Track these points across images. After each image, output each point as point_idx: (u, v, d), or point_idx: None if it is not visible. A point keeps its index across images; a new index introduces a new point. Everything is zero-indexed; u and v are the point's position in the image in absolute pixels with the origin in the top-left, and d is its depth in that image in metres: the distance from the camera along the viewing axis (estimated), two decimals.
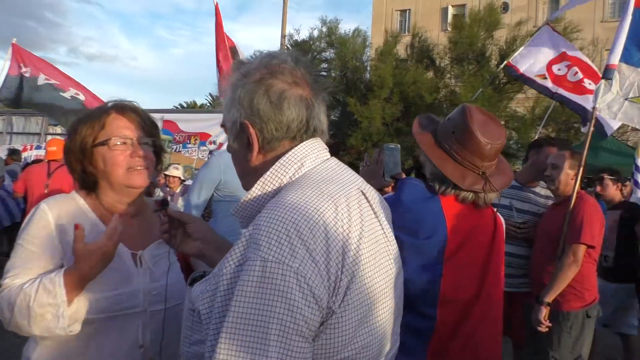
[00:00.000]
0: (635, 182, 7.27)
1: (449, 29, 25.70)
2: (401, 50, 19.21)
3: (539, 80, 4.92)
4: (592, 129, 3.44)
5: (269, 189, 1.05)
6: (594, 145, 9.73)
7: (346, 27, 51.93)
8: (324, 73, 20.61)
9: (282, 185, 1.04)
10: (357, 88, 18.38)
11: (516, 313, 3.22)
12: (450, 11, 34.44)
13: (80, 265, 1.32)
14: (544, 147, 3.37)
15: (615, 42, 3.31)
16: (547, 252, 3.06)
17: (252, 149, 1.08)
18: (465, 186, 1.76)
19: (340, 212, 0.98)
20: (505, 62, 5.17)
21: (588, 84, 5.07)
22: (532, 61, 4.92)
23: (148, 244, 1.54)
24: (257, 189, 1.06)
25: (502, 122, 18.32)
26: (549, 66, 5.01)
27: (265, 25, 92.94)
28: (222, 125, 1.14)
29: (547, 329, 2.86)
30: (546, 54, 5.01)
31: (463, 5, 33.15)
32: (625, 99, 3.27)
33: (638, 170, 7.75)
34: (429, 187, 1.86)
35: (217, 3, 6.20)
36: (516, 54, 5.05)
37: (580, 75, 5.06)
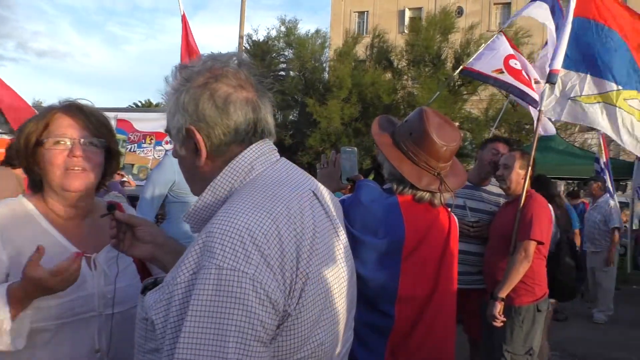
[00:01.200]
0: (607, 189, 7.54)
1: (406, 31, 26.15)
2: (360, 51, 19.39)
3: (496, 75, 5.01)
4: (539, 130, 3.60)
5: (220, 194, 1.04)
6: (543, 146, 10.13)
7: (305, 27, 52.07)
8: (283, 73, 20.58)
9: (233, 189, 1.03)
10: (316, 88, 18.42)
11: (471, 309, 3.31)
12: (407, 14, 35.02)
13: (27, 287, 1.25)
14: (487, 145, 3.52)
15: (557, 48, 3.48)
16: (500, 249, 3.16)
17: (200, 155, 1.06)
18: (421, 186, 1.82)
19: (293, 214, 0.98)
20: (461, 67, 5.30)
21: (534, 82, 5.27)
22: (489, 59, 5.05)
23: (102, 246, 1.49)
24: (207, 195, 1.04)
25: (457, 124, 18.86)
26: (505, 60, 5.10)
27: (223, 24, 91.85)
28: (167, 132, 1.12)
29: (502, 324, 2.95)
30: (503, 52, 5.14)
31: (419, 9, 33.78)
32: (569, 99, 3.45)
33: (603, 174, 8.02)
34: (385, 189, 1.92)
35: (184, 13, 6.12)
36: (471, 59, 5.18)
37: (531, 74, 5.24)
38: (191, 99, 1.05)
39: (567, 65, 3.49)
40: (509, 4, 33.05)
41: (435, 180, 1.84)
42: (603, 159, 8.30)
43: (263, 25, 35.79)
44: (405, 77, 18.48)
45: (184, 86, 1.07)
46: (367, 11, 36.79)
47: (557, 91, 3.50)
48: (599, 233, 6.96)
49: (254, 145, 1.08)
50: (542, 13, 4.54)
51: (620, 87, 3.42)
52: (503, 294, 2.96)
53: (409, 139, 1.85)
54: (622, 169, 10.36)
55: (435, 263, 1.88)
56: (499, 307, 2.93)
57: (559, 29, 3.66)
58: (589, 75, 3.48)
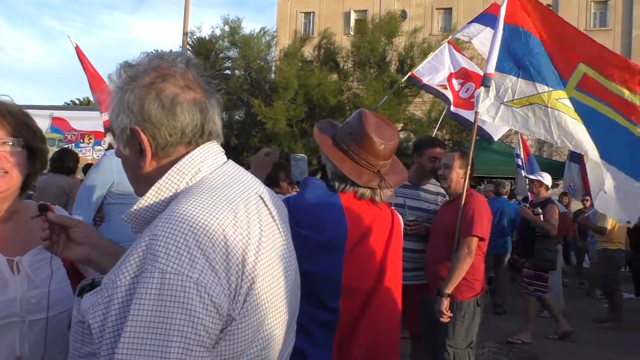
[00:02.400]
0: (571, 188, 8.00)
1: (352, 33, 26.46)
2: (306, 52, 19.45)
3: (441, 89, 5.25)
4: (475, 131, 3.76)
5: (164, 196, 1.02)
6: (482, 147, 10.53)
7: (250, 26, 51.66)
8: (228, 72, 20.33)
9: (178, 191, 1.01)
10: (262, 89, 18.33)
11: (410, 304, 3.40)
12: (353, 16, 35.46)
13: None
14: (424, 152, 3.65)
15: (490, 53, 3.66)
16: (443, 246, 3.25)
17: (145, 156, 1.04)
18: (362, 183, 1.89)
19: (240, 218, 0.97)
20: (409, 73, 5.45)
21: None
22: (435, 74, 5.24)
23: (28, 249, 1.42)
24: (151, 196, 1.02)
25: (401, 125, 19.24)
26: (449, 78, 5.39)
27: (165, 20, 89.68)
28: (109, 130, 1.10)
29: (448, 319, 3.03)
30: (447, 68, 5.40)
31: (365, 11, 34.30)
32: (501, 103, 3.62)
33: (521, 169, 8.43)
34: (330, 186, 1.98)
35: (77, 45, 6.10)
36: (419, 67, 5.35)
37: (472, 90, 5.42)
38: (136, 98, 1.02)
39: (500, 68, 3.64)
40: (450, 9, 34.13)
41: (375, 177, 1.91)
42: (522, 156, 8.76)
43: (207, 23, 35.22)
44: (351, 78, 18.70)
45: (129, 85, 1.04)
46: (314, 12, 36.97)
47: (492, 94, 3.63)
48: None
49: (201, 147, 1.06)
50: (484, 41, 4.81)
51: (550, 89, 3.58)
52: (449, 290, 3.05)
53: (349, 138, 1.92)
54: (555, 169, 10.92)
55: (379, 258, 1.94)
56: (445, 303, 3.01)
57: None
58: (520, 79, 3.64)
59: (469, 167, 3.33)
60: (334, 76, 18.36)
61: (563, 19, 3.98)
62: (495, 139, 6.00)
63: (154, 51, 1.12)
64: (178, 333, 0.85)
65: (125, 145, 1.06)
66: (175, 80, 1.05)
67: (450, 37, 5.46)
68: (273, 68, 19.34)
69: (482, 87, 3.61)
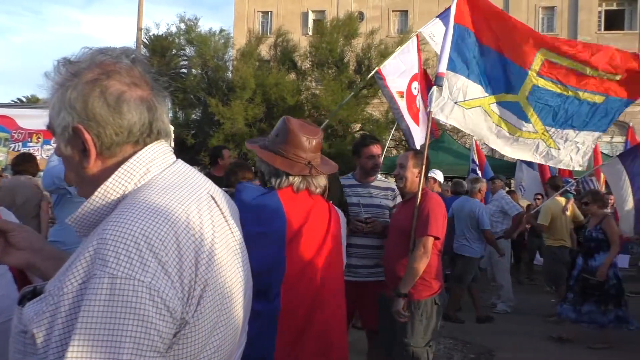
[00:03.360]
0: (521, 188, 8.26)
1: (310, 33, 26.47)
2: (263, 51, 19.32)
3: (396, 98, 5.10)
4: (429, 130, 3.80)
5: (112, 198, 0.98)
6: (436, 146, 10.76)
7: (207, 24, 50.83)
8: (184, 71, 19.96)
9: (126, 193, 0.98)
10: (219, 88, 18.08)
11: (368, 301, 3.43)
12: (311, 16, 35.49)
13: None
14: (361, 151, 3.72)
15: (441, 52, 3.71)
16: (399, 245, 3.29)
17: (89, 155, 1.00)
18: (294, 172, 2.07)
19: (192, 219, 0.96)
20: (376, 69, 5.29)
21: (422, 113, 5.39)
22: (398, 74, 5.09)
23: None
24: (97, 198, 0.98)
25: (359, 125, 19.29)
26: (410, 82, 5.18)
27: (119, 16, 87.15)
28: (50, 129, 1.04)
29: (406, 319, 3.06)
30: (410, 68, 5.18)
31: (323, 12, 34.39)
32: (455, 103, 3.69)
33: (475, 173, 8.70)
34: (266, 187, 2.16)
35: None
36: (386, 62, 5.17)
37: (420, 103, 5.36)
38: (79, 95, 0.98)
39: (452, 68, 3.72)
40: (406, 11, 34.66)
41: (306, 167, 2.09)
42: (476, 159, 9.05)
43: (164, 20, 34.47)
44: (309, 78, 18.71)
45: (70, 82, 0.99)
46: (271, 11, 36.78)
47: (445, 93, 3.70)
48: (495, 224, 7.44)
49: (149, 146, 1.03)
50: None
51: (487, 94, 3.76)
52: (406, 290, 3.07)
53: (277, 140, 2.13)
54: (506, 169, 11.26)
55: (319, 247, 2.06)
56: (402, 303, 3.04)
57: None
58: (469, 80, 3.75)
59: (424, 166, 3.37)
60: (292, 76, 18.31)
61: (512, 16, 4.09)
62: (418, 146, 5.92)
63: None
64: (130, 339, 0.83)
65: (67, 144, 1.02)
66: (120, 77, 1.01)
67: (418, 30, 5.31)
68: (230, 67, 19.12)
69: (434, 87, 3.68)
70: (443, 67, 3.67)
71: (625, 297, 5.74)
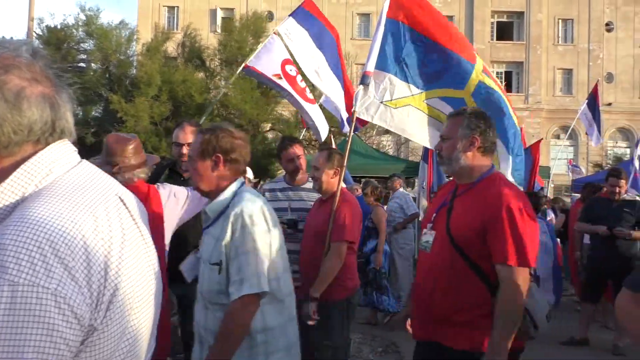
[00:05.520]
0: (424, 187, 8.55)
1: (219, 31, 25.99)
2: (169, 48, 18.70)
3: (276, 80, 5.03)
4: (352, 130, 3.77)
5: (9, 200, 0.92)
6: (343, 148, 10.96)
7: (108, 17, 48.20)
8: (83, 65, 18.80)
9: (25, 195, 0.92)
10: (122, 84, 17.24)
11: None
12: (219, 14, 34.89)
13: None
14: (282, 154, 3.69)
15: (370, 50, 3.56)
16: (314, 247, 3.26)
17: None
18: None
19: (100, 222, 0.92)
20: (243, 64, 5.16)
21: (308, 92, 5.46)
22: (268, 61, 5.03)
23: None
24: None
25: (269, 125, 19.21)
26: (282, 65, 5.10)
27: (7, 2, 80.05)
28: None
29: (314, 322, 3.04)
30: (280, 55, 5.12)
31: (232, 9, 33.94)
32: (381, 102, 3.58)
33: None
34: None
35: None
36: (252, 57, 5.13)
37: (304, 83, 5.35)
38: None
39: (380, 66, 3.57)
40: None
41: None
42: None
43: (60, 10, 32.19)
44: (218, 77, 18.39)
45: None
46: (178, 7, 35.70)
47: (371, 93, 3.57)
48: (397, 220, 7.71)
49: (51, 145, 0.97)
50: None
51: (420, 90, 3.58)
52: (318, 293, 3.06)
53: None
54: (411, 169, 11.78)
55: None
56: (313, 306, 3.02)
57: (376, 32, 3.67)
58: (397, 78, 3.59)
59: (342, 167, 3.34)
60: (200, 74, 17.90)
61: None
62: (322, 139, 5.93)
63: None
64: (34, 349, 0.79)
65: None
66: (20, 72, 0.94)
67: (274, 29, 5.24)
68: (134, 63, 18.30)
69: (360, 86, 3.55)
70: (371, 66, 3.55)
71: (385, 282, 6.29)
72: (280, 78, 4.97)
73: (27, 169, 0.93)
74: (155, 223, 2.30)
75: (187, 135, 3.19)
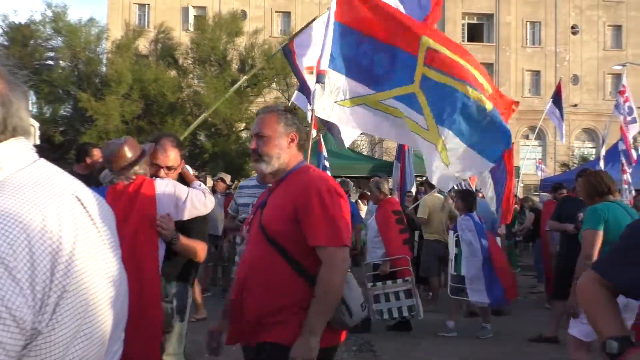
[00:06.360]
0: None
1: (191, 29, 25.72)
2: (140, 45, 18.43)
3: (304, 73, 4.67)
4: (312, 130, 3.73)
5: None
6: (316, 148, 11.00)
7: (77, 14, 47.15)
8: (51, 62, 18.37)
9: None
10: (91, 82, 16.92)
11: None
12: (192, 12, 34.52)
13: None
14: None
15: (322, 50, 3.62)
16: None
17: None
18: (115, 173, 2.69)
19: (49, 222, 0.89)
20: (289, 40, 4.77)
21: None
22: (306, 49, 4.64)
23: None
24: None
25: (243, 125, 19.14)
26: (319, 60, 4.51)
27: None
28: None
29: None
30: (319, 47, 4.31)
31: (204, 8, 33.62)
32: (335, 102, 3.62)
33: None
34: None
35: None
36: (300, 33, 4.73)
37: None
38: None
39: (333, 66, 3.61)
40: (289, 12, 35.12)
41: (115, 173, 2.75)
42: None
43: (25, 6, 31.40)
44: (191, 75, 18.21)
45: None
46: (148, 4, 35.19)
47: (327, 91, 3.60)
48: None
49: (3, 143, 0.94)
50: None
51: (374, 91, 3.60)
52: None
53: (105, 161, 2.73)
54: (385, 168, 11.89)
55: (124, 224, 2.33)
56: None
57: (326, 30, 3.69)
58: (349, 79, 3.63)
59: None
60: (173, 72, 17.69)
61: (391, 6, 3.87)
62: (347, 145, 5.56)
63: None
64: None
65: None
66: None
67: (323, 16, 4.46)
68: (104, 60, 17.97)
69: (317, 84, 3.58)
70: (324, 65, 3.58)
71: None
72: (312, 73, 4.50)
73: None
74: (143, 212, 2.54)
75: (168, 158, 2.94)
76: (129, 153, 2.65)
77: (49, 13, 17.44)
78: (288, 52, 4.70)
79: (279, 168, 2.16)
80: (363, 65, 3.64)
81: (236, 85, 9.82)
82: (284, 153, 2.15)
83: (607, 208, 3.61)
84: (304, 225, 2.02)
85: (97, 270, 0.98)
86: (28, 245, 0.84)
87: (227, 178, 8.00)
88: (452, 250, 6.29)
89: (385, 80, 3.62)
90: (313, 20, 4.77)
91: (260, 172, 2.22)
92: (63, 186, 0.98)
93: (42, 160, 1.00)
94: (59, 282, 0.87)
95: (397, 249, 5.56)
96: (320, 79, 3.58)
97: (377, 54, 3.62)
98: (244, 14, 30.81)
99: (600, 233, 3.54)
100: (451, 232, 6.47)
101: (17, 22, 17.71)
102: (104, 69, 17.81)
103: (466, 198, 6.12)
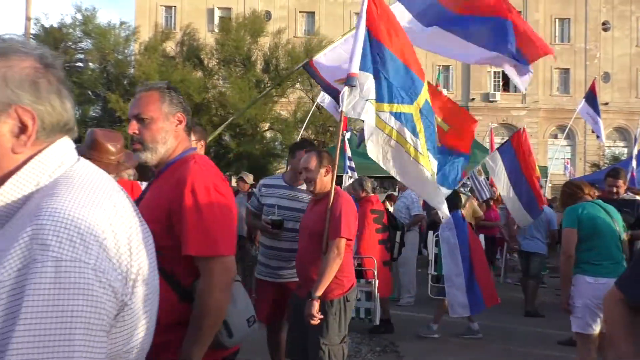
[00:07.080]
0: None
1: (216, 30, 25.97)
2: (167, 47, 18.69)
3: (337, 85, 4.46)
4: (341, 130, 3.85)
5: (25, 189, 0.95)
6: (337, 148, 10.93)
7: (105, 17, 48.05)
8: (80, 64, 18.78)
9: (39, 184, 0.96)
10: (120, 83, 17.23)
11: (287, 300, 3.47)
12: (217, 13, 34.87)
13: None
14: (296, 152, 3.71)
15: (352, 53, 3.69)
16: (311, 247, 3.28)
17: (22, 140, 0.96)
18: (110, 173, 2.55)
19: (119, 208, 0.99)
20: (307, 59, 4.78)
21: None
22: (336, 66, 4.54)
23: None
24: (8, 188, 0.94)
25: (268, 125, 19.22)
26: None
27: (5, 3, 79.79)
28: None
29: (319, 322, 3.06)
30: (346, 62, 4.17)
31: (229, 9, 33.92)
32: (367, 100, 3.68)
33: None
34: None
35: None
36: (322, 52, 4.72)
37: None
38: (26, 78, 0.95)
39: (363, 67, 3.69)
40: (313, 13, 35.15)
41: (114, 167, 2.58)
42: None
43: (56, 10, 32.18)
44: (216, 76, 18.39)
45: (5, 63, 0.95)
46: (175, 6, 35.68)
47: (357, 92, 3.67)
48: (402, 219, 7.74)
49: (61, 139, 1.02)
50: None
51: (386, 103, 3.78)
52: (320, 292, 3.07)
53: (87, 150, 2.53)
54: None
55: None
56: (316, 306, 3.04)
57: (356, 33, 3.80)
58: (374, 83, 3.76)
59: (334, 164, 3.37)
60: (198, 73, 17.90)
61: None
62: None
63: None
64: (82, 319, 0.84)
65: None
66: (56, 71, 1.01)
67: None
68: (132, 62, 18.29)
69: (345, 87, 3.63)
70: (355, 68, 3.63)
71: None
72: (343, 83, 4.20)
73: (41, 159, 0.97)
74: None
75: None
76: (121, 151, 2.82)
77: (79, 16, 17.86)
78: (312, 72, 4.68)
79: (163, 155, 1.85)
80: (385, 75, 3.77)
81: (265, 92, 9.87)
82: (170, 137, 1.84)
83: (580, 207, 3.89)
84: (177, 229, 1.71)
85: (151, 253, 1.08)
86: (111, 226, 0.94)
87: (249, 177, 8.03)
88: (432, 251, 6.29)
89: (396, 94, 3.79)
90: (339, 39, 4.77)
91: (143, 163, 1.86)
92: (111, 180, 1.08)
93: (81, 157, 1.08)
94: (135, 260, 0.98)
95: (367, 249, 5.54)
96: (350, 81, 3.64)
97: (394, 67, 3.80)
98: (268, 15, 30.98)
99: (575, 231, 3.82)
100: (430, 233, 6.45)
101: (48, 26, 18.16)
102: (132, 70, 18.12)
103: (449, 196, 6.01)
